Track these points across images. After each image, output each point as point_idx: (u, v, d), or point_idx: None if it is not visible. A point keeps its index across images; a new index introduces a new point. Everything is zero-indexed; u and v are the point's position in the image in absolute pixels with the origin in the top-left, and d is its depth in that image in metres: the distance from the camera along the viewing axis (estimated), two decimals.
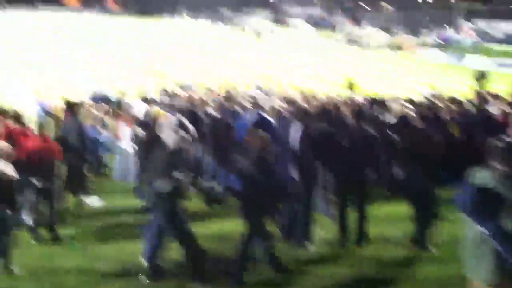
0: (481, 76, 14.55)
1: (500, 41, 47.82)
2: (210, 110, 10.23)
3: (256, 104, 9.90)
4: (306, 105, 10.28)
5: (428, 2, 77.06)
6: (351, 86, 15.91)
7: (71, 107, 9.36)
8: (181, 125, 9.15)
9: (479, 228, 4.03)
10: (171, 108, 10.88)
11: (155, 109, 10.90)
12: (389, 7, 77.88)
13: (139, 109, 11.39)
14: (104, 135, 11.62)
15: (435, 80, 15.43)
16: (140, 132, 9.43)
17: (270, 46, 44.30)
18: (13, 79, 23.26)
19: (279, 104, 11.33)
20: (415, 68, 19.84)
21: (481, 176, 4.14)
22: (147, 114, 10.32)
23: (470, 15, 55.88)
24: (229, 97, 12.67)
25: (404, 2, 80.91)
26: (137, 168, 9.71)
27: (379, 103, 11.93)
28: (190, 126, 9.72)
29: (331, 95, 13.59)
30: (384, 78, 21.80)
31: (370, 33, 50.00)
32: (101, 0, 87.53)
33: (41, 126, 8.17)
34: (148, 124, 9.56)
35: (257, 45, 44.39)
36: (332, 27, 58.42)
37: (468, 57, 36.64)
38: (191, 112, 10.49)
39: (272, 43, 45.46)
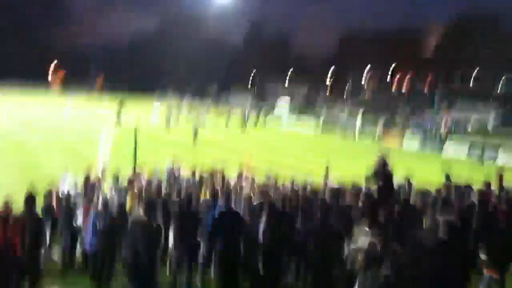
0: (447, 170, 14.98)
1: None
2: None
3: (228, 193, 9.94)
4: (274, 195, 10.48)
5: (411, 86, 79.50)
6: (327, 173, 16.22)
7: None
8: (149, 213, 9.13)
9: None
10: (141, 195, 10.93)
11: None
12: (369, 92, 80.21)
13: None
14: None
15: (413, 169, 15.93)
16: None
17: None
18: None
19: (250, 193, 11.52)
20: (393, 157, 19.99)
21: None
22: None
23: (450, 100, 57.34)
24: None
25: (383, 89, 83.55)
26: None
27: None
28: (159, 217, 9.73)
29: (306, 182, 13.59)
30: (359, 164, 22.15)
31: (349, 118, 50.93)
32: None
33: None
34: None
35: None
36: (313, 112, 59.50)
37: (446, 145, 37.38)
38: (161, 201, 10.51)
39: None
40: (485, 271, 9.00)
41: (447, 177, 14.96)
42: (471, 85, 72.62)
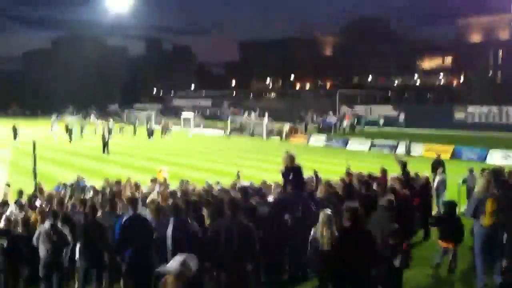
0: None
1: (375, 124, 52.14)
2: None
3: (135, 201, 9.70)
4: (181, 200, 10.33)
5: (312, 90, 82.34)
6: (238, 175, 16.40)
7: None
8: (55, 230, 8.78)
9: None
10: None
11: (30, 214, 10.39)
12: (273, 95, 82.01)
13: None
14: None
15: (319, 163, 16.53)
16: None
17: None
18: None
19: (159, 199, 11.31)
20: (300, 153, 20.83)
21: None
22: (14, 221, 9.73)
23: (350, 101, 60.53)
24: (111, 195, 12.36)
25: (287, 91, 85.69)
26: None
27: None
28: (65, 230, 9.28)
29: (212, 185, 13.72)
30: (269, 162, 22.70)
31: (256, 121, 51.46)
32: None
33: None
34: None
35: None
36: (220, 117, 59.75)
37: (349, 140, 38.95)
38: (65, 215, 10.08)
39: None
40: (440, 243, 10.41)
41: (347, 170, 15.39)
42: (369, 81, 77.00)
